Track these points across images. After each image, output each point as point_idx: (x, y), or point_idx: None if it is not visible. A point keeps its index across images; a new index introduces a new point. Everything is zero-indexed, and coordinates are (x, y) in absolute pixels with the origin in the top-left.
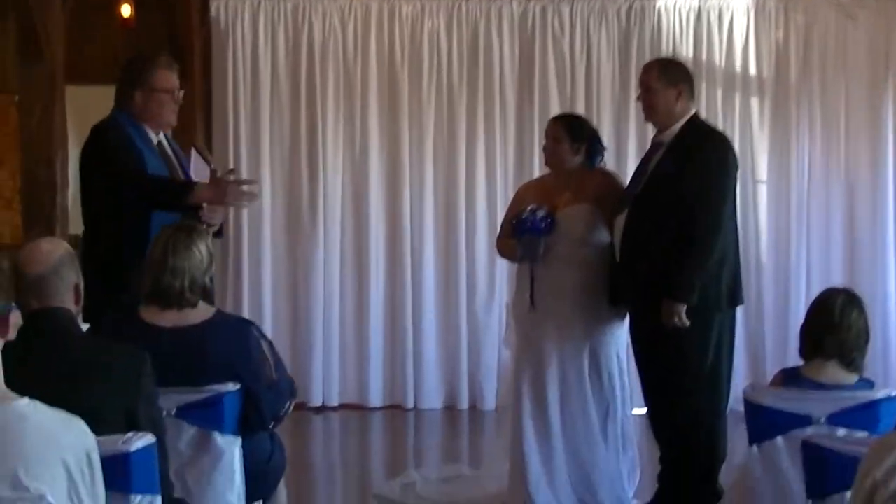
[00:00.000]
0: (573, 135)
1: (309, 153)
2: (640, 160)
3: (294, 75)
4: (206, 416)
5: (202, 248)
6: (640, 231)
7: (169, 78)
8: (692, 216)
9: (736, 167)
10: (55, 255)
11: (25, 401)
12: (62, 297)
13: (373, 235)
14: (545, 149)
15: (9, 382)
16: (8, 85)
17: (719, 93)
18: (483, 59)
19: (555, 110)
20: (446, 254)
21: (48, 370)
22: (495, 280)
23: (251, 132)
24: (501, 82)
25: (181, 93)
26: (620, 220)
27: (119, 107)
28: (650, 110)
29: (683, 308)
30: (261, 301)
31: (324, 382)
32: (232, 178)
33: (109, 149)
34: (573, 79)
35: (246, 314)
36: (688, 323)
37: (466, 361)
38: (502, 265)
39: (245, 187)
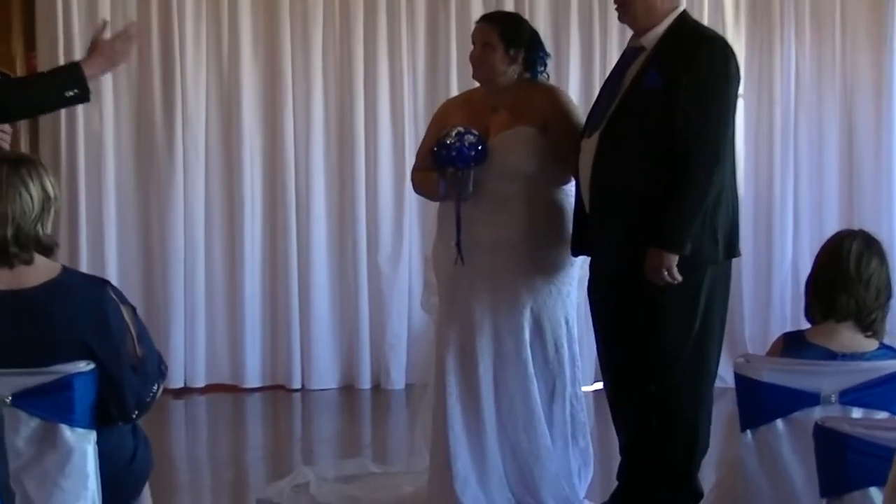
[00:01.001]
0: (508, 38)
1: (163, 62)
2: (614, 68)
3: None
4: (52, 404)
5: (33, 188)
6: (614, 163)
7: None
8: (684, 144)
9: (738, 80)
10: None
11: None
12: None
13: (246, 170)
14: (472, 57)
15: None
16: None
17: None
18: None
19: (476, 6)
20: (340, 192)
21: None
22: (404, 225)
23: (86, 34)
24: None
25: None
26: (587, 150)
27: None
28: (624, 7)
29: (674, 259)
30: (102, 255)
31: (186, 358)
32: (108, 34)
33: None
34: None
35: (83, 269)
36: (679, 278)
37: (368, 329)
38: (413, 206)
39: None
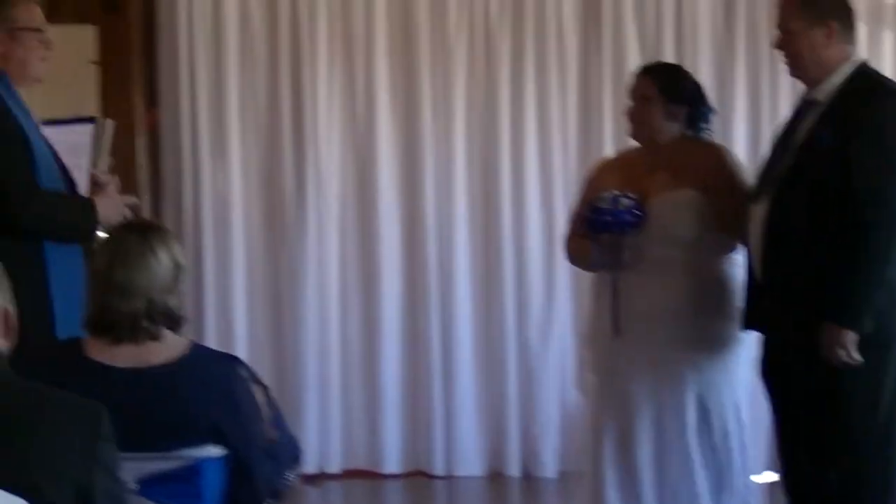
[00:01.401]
0: (668, 93)
1: (293, 119)
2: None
3: (271, 8)
4: (179, 491)
5: (164, 257)
6: (787, 230)
7: (36, 12)
8: (863, 207)
9: None
10: None
11: None
12: None
13: (384, 235)
14: (629, 113)
15: None
16: None
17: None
18: None
19: (632, 56)
20: (485, 260)
21: None
22: (555, 296)
23: (212, 90)
24: (558, 15)
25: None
26: (757, 215)
27: None
28: (793, 60)
29: (853, 337)
30: (230, 328)
31: (320, 441)
32: (111, 181)
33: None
34: (658, 9)
35: (210, 345)
36: (859, 358)
37: (516, 410)
38: (566, 275)
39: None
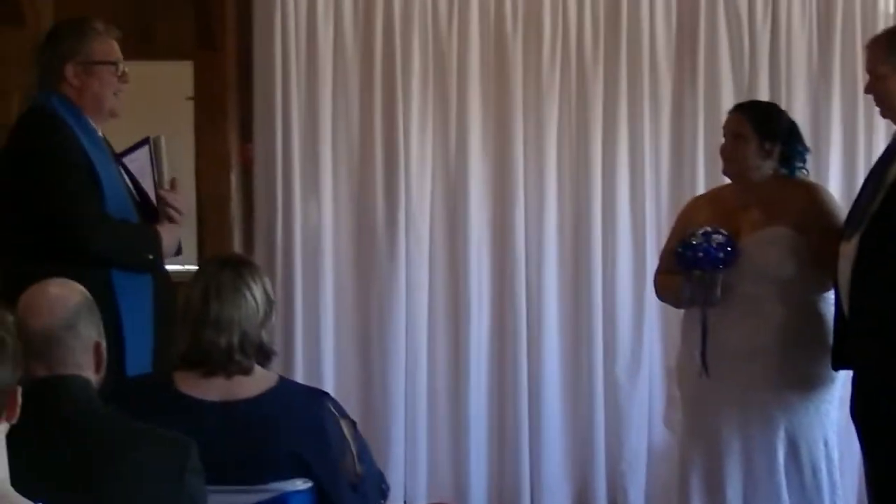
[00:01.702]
0: (763, 130)
1: (386, 155)
2: (873, 165)
3: (366, 44)
4: None
5: (257, 292)
6: (877, 269)
7: (112, 47)
8: None
9: None
10: (69, 302)
11: None
12: (78, 360)
13: (473, 271)
14: (722, 151)
15: (14, 481)
16: None
17: None
18: (627, 21)
19: (727, 96)
20: (574, 295)
21: (60, 463)
22: (644, 332)
23: (306, 125)
24: (652, 56)
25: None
26: (846, 254)
27: (46, 89)
28: (882, 102)
29: None
30: (319, 362)
31: (406, 475)
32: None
33: (54, 163)
34: (753, 52)
35: (298, 379)
36: None
37: (603, 446)
38: (655, 311)
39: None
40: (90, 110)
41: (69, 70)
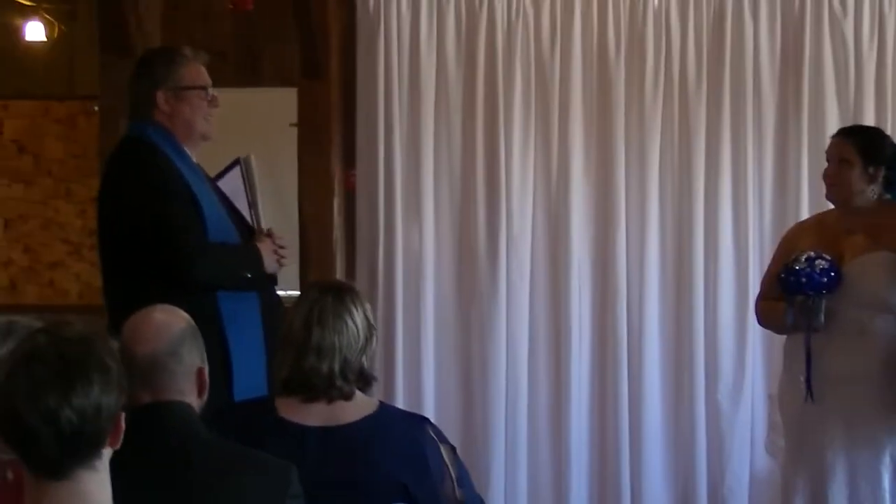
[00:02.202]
0: (868, 156)
1: (488, 180)
2: None
3: (468, 72)
4: None
5: (358, 318)
6: None
7: (200, 72)
8: None
9: None
10: (173, 329)
11: None
12: (181, 386)
13: (574, 297)
14: (826, 175)
15: None
16: (82, 88)
17: None
18: (731, 48)
19: (832, 120)
20: (677, 321)
21: (162, 488)
22: (746, 358)
23: (408, 151)
24: (756, 80)
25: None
26: None
27: (139, 118)
28: None
29: None
30: (420, 388)
31: (507, 498)
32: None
33: (155, 192)
34: (858, 76)
35: (398, 405)
36: None
37: (705, 472)
38: (757, 337)
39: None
40: (182, 136)
41: (160, 97)
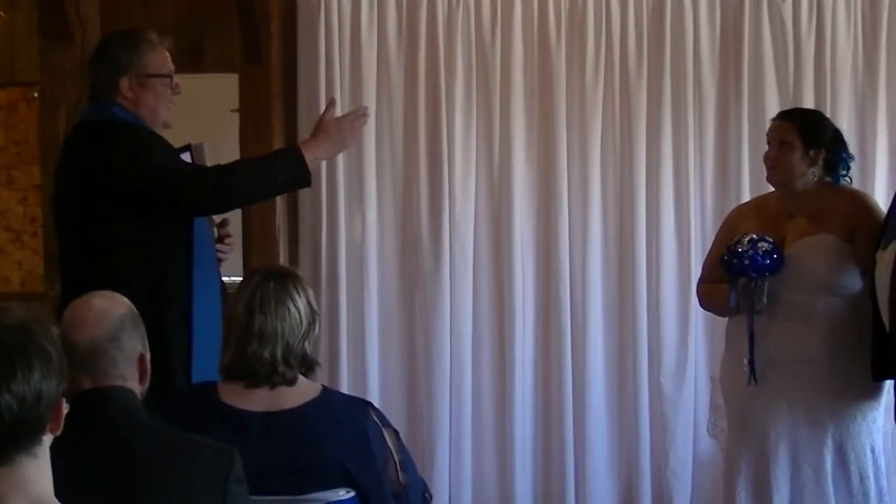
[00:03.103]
0: (808, 138)
1: (430, 165)
2: None
3: (409, 58)
4: None
5: (301, 303)
6: None
7: (166, 59)
8: None
9: None
10: (113, 315)
11: None
12: (122, 372)
13: (518, 280)
14: (767, 158)
15: (59, 492)
16: (22, 74)
17: None
18: (671, 31)
19: (772, 104)
20: (619, 305)
21: (104, 474)
22: (689, 341)
23: None
24: (696, 63)
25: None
26: (885, 262)
27: (101, 100)
28: None
29: None
30: (364, 373)
31: (451, 484)
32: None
33: (149, 144)
34: (798, 60)
35: (343, 390)
36: None
37: (649, 455)
38: (700, 320)
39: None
40: (148, 122)
41: (124, 84)
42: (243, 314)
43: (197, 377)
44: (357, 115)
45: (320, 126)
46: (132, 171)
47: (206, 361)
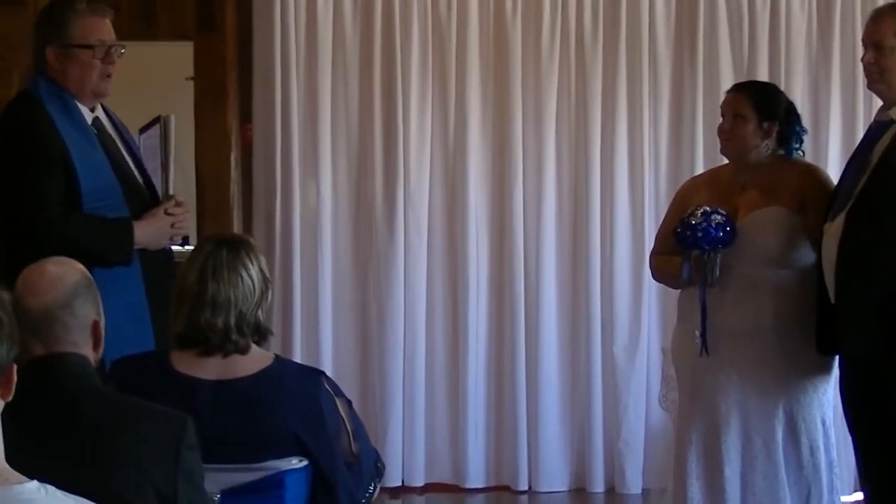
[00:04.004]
0: (762, 110)
1: (385, 137)
2: (856, 146)
3: (365, 28)
4: (262, 502)
5: (254, 271)
6: (861, 247)
7: (93, 27)
8: None
9: None
10: (66, 281)
11: (34, 485)
12: (75, 338)
13: (472, 252)
14: (721, 130)
15: (10, 457)
16: None
17: None
18: (626, 4)
19: (726, 75)
20: (573, 277)
21: (56, 439)
22: (642, 313)
23: (306, 108)
24: (651, 37)
25: (119, 50)
26: (832, 233)
27: (39, 70)
28: (879, 76)
29: None
30: (317, 342)
31: (404, 455)
32: (173, 203)
33: (21, 153)
34: (752, 33)
35: (296, 359)
36: None
37: (601, 427)
38: (652, 292)
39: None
40: (75, 93)
41: (49, 54)
42: (195, 282)
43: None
44: (181, 222)
45: (153, 213)
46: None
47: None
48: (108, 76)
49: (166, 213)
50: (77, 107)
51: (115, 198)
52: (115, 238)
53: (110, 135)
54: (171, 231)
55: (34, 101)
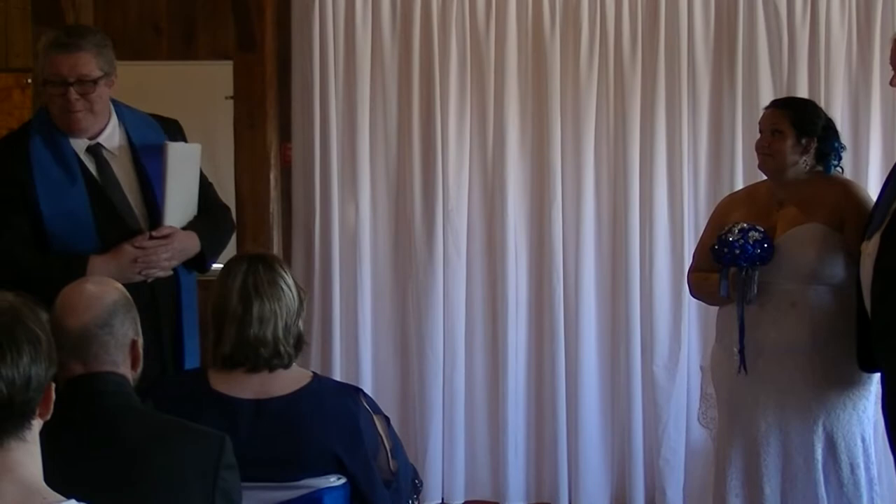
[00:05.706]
0: (800, 127)
1: (423, 155)
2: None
3: (404, 47)
4: None
5: (290, 282)
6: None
7: (53, 62)
8: None
9: None
10: (105, 300)
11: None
12: (114, 357)
13: (511, 269)
14: (759, 147)
15: (48, 477)
16: (16, 60)
17: None
18: (665, 20)
19: (766, 92)
20: (612, 295)
21: (95, 458)
22: (682, 331)
23: (344, 125)
24: (690, 52)
25: (86, 85)
26: (868, 252)
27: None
28: None
29: None
30: (357, 361)
31: (444, 473)
32: (147, 237)
33: None
34: (792, 49)
35: (336, 378)
36: None
37: (641, 444)
38: (692, 310)
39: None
40: (59, 126)
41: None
42: (238, 303)
43: None
44: (149, 256)
45: (117, 248)
46: None
47: None
48: (74, 112)
49: (135, 247)
50: (63, 140)
51: (84, 233)
52: (65, 274)
53: (108, 162)
54: (133, 267)
55: (22, 136)
